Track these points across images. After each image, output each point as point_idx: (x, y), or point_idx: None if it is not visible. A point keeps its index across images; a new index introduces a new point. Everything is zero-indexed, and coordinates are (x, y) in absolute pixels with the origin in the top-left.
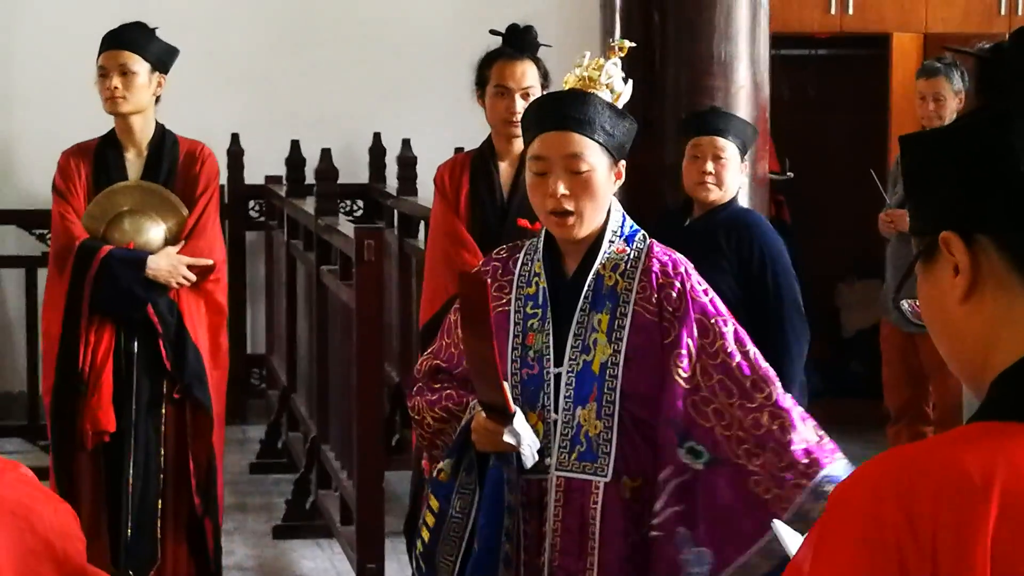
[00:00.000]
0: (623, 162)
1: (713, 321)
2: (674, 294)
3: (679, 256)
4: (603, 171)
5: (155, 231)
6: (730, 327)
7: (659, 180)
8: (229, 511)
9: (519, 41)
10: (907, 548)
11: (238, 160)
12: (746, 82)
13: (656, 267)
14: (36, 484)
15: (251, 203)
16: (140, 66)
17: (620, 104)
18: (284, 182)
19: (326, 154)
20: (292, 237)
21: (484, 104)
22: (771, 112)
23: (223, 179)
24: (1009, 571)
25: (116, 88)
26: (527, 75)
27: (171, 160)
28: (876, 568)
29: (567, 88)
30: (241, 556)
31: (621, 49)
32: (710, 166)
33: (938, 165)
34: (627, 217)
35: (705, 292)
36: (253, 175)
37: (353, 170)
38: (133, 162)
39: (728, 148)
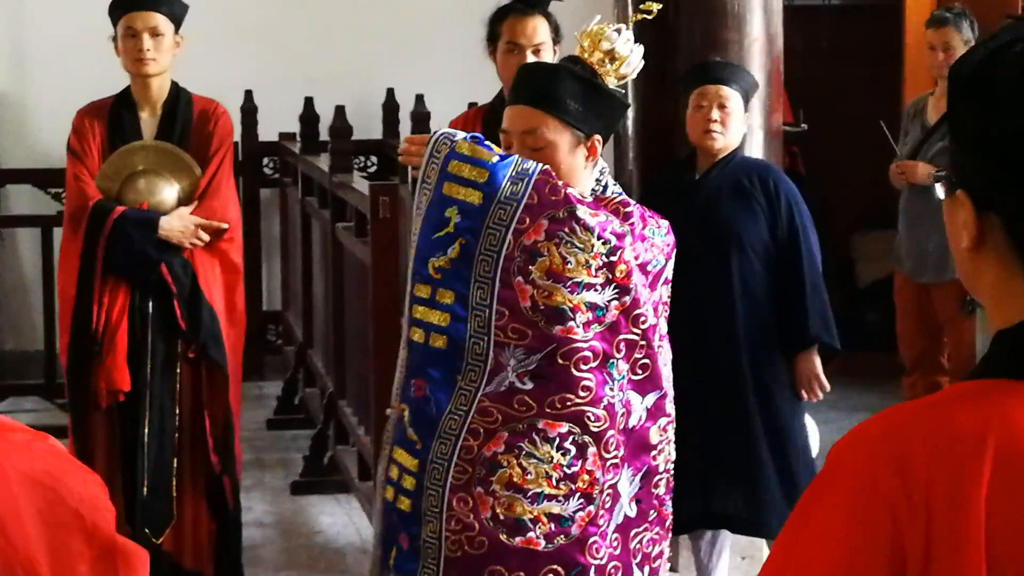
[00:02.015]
0: (598, 136)
1: None
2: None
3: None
4: (564, 147)
5: (169, 191)
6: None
7: (673, 133)
8: (247, 467)
9: None
10: (900, 508)
11: (252, 117)
12: (760, 34)
13: None
14: (65, 455)
15: (265, 160)
16: (167, 27)
17: (628, 69)
18: (298, 139)
19: (340, 111)
20: (307, 194)
21: (495, 60)
22: (784, 64)
23: (237, 136)
24: (1004, 530)
25: (148, 50)
26: (538, 31)
27: (185, 119)
28: (870, 528)
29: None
30: (259, 512)
31: (648, 13)
32: (715, 114)
33: (970, 137)
34: (608, 187)
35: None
36: (267, 132)
37: (367, 126)
38: (148, 121)
39: (732, 97)
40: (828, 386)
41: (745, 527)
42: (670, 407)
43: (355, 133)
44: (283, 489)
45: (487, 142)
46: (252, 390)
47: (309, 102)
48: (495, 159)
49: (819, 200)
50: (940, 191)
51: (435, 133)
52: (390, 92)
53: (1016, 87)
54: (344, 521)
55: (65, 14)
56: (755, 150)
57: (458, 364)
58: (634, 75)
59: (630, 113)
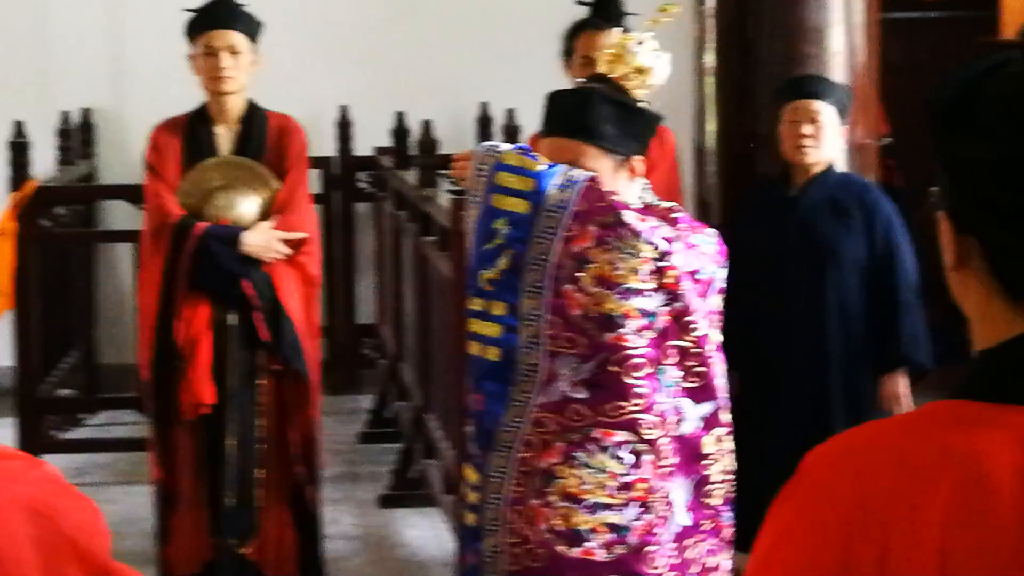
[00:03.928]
0: (637, 156)
1: None
2: None
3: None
4: (606, 173)
5: (247, 206)
6: None
7: (753, 149)
8: (338, 480)
9: (605, 11)
10: (856, 527)
11: (347, 132)
12: (841, 48)
13: None
14: (60, 481)
15: (360, 175)
16: (245, 45)
17: (655, 79)
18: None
19: (427, 125)
20: (398, 208)
21: (571, 74)
22: (881, 76)
23: (333, 151)
24: (958, 554)
25: (227, 68)
26: None
27: (261, 134)
28: (823, 542)
29: (578, 83)
30: (346, 525)
31: (665, 12)
32: (808, 129)
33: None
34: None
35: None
36: (362, 147)
37: (460, 140)
38: (224, 137)
39: (825, 111)
40: (913, 407)
41: None
42: (726, 417)
43: (448, 147)
44: (371, 502)
45: (533, 152)
46: (346, 403)
47: (401, 116)
48: (541, 168)
49: (916, 213)
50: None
51: (481, 146)
52: (483, 106)
53: (993, 116)
54: (429, 535)
55: (162, 31)
56: (839, 164)
57: (511, 375)
58: (662, 82)
59: (711, 127)
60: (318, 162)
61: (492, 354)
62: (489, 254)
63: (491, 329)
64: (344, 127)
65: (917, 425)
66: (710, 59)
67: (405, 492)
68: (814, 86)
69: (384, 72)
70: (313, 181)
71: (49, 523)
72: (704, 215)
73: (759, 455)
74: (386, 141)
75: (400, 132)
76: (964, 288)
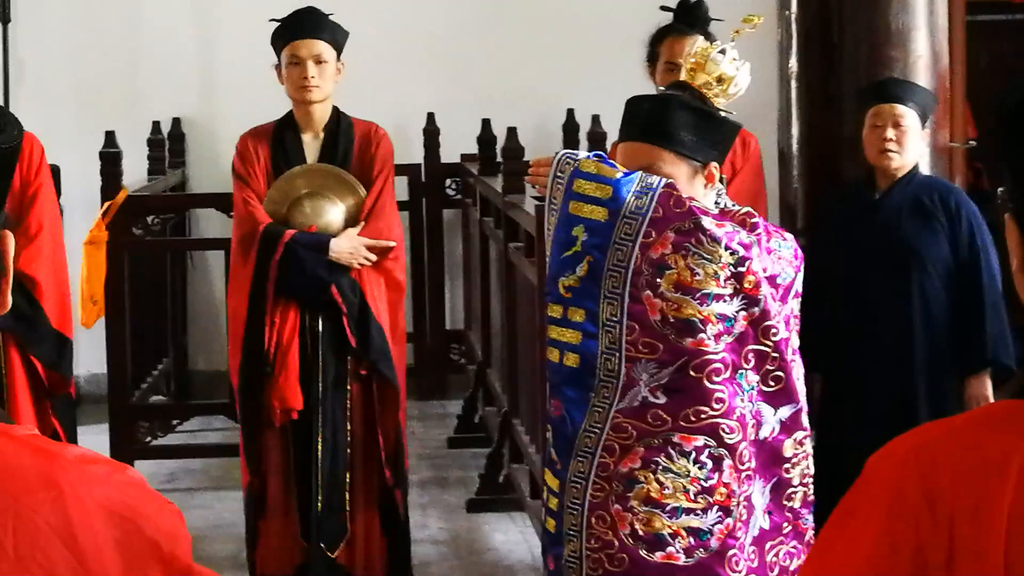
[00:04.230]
0: (714, 164)
1: None
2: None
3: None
4: (683, 179)
5: (335, 213)
6: None
7: (838, 152)
8: (427, 485)
9: (690, 16)
10: (924, 525)
11: (434, 139)
12: (925, 52)
13: None
14: (143, 486)
15: (447, 181)
16: (330, 54)
17: (736, 90)
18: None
19: (512, 132)
20: (484, 215)
21: (655, 80)
22: (968, 79)
23: (420, 158)
24: (1022, 547)
25: (312, 77)
26: None
27: (347, 142)
28: (896, 543)
29: (659, 90)
30: (435, 529)
31: (748, 22)
32: (891, 133)
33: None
34: (728, 208)
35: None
36: (450, 154)
37: (546, 146)
38: (310, 145)
39: (908, 115)
40: None
41: None
42: (805, 420)
43: (534, 154)
44: (459, 507)
45: (610, 159)
46: (435, 409)
47: (487, 123)
48: (619, 175)
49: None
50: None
51: (558, 154)
52: (570, 112)
53: None
54: (517, 539)
55: (251, 41)
56: (922, 167)
57: (591, 381)
58: (743, 92)
59: (795, 131)
60: (406, 169)
61: (571, 360)
62: (568, 261)
63: (570, 335)
64: (431, 134)
65: (979, 424)
66: (794, 64)
67: (493, 497)
68: (896, 90)
69: (471, 79)
70: (401, 188)
71: (131, 526)
72: (789, 219)
73: (843, 458)
74: (472, 148)
75: (486, 139)
76: None
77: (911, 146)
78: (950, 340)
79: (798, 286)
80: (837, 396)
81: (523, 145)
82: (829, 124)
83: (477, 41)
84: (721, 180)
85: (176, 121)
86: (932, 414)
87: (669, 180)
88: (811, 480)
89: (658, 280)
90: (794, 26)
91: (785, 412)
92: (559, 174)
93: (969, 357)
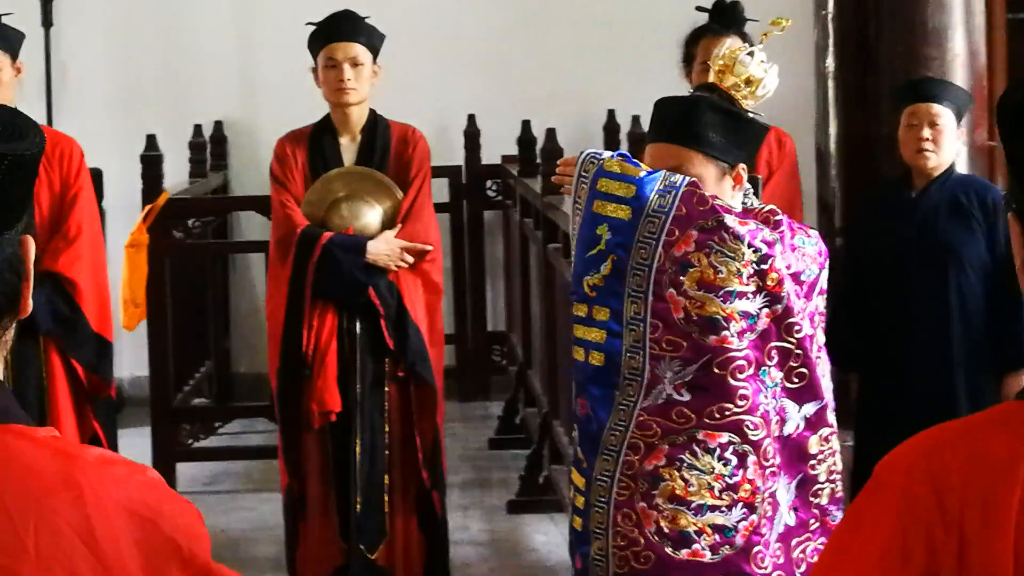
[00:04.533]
0: (742, 165)
1: None
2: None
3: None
4: (710, 180)
5: (372, 215)
6: None
7: (875, 151)
8: (468, 487)
9: (725, 17)
10: (935, 525)
11: (475, 141)
12: (961, 50)
13: None
14: (163, 486)
15: (488, 183)
16: (366, 57)
17: (764, 91)
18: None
19: (551, 133)
20: (524, 216)
21: (691, 81)
22: (1010, 77)
23: (460, 160)
24: None
25: (349, 80)
26: None
27: (384, 145)
28: (907, 544)
29: (691, 90)
30: (475, 531)
31: (776, 25)
32: (927, 132)
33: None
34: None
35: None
36: (490, 155)
37: (587, 147)
38: (348, 147)
39: (944, 114)
40: None
41: None
42: (831, 417)
43: (574, 154)
44: (500, 508)
45: (634, 159)
46: (477, 410)
47: (526, 125)
48: (642, 174)
49: None
50: None
51: (582, 153)
52: (610, 113)
53: None
54: (557, 540)
55: (292, 45)
56: (960, 166)
57: (615, 380)
58: (771, 94)
59: (832, 130)
60: (446, 171)
61: (596, 359)
62: (592, 260)
63: (595, 334)
64: (471, 136)
65: (988, 425)
66: (831, 63)
67: (534, 498)
68: (932, 89)
69: (510, 81)
70: (441, 189)
71: (151, 526)
72: (826, 218)
73: (880, 456)
74: (512, 150)
75: (526, 140)
76: None
77: (947, 145)
78: (987, 339)
79: (823, 283)
80: (875, 394)
81: (563, 146)
82: (866, 123)
83: (517, 43)
84: (756, 180)
85: (218, 124)
86: (970, 412)
87: (692, 178)
88: (839, 477)
89: (681, 278)
90: (831, 26)
91: (810, 408)
92: (583, 173)
93: (1006, 355)
